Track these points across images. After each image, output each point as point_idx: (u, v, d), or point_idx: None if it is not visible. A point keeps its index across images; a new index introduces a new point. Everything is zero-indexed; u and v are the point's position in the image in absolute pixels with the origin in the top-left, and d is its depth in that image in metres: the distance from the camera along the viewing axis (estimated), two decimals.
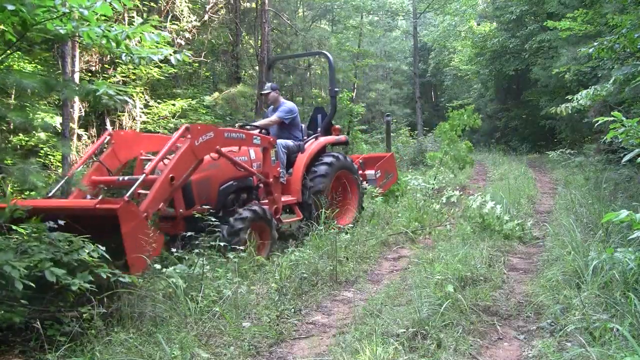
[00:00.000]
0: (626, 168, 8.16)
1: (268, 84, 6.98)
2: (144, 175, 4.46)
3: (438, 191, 9.30)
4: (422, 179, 9.92)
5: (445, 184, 10.61)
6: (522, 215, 7.08)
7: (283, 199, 6.18)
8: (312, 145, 6.80)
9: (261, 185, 5.98)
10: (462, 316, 3.57)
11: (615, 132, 3.74)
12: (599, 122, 3.96)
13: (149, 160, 5.18)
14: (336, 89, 7.36)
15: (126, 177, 5.00)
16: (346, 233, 5.75)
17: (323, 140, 7.00)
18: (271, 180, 5.94)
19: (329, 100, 7.96)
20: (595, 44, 6.51)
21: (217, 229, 4.59)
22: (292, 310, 3.99)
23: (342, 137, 7.54)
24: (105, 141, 5.29)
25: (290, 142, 6.62)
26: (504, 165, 14.54)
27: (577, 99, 7.89)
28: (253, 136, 5.74)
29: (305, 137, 6.96)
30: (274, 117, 6.64)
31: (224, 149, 5.26)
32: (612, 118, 3.66)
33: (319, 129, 7.22)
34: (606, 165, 10.11)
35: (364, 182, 7.53)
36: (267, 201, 5.96)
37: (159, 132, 8.41)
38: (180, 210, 5.09)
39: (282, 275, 4.50)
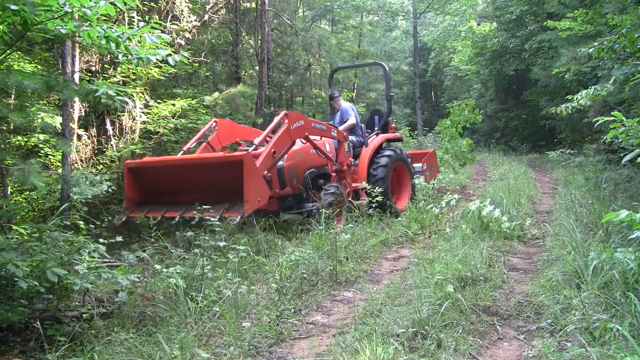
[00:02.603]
0: (626, 168, 8.15)
1: (336, 92, 8.60)
2: (254, 146, 5.68)
3: (438, 191, 9.31)
4: (422, 179, 9.91)
5: (446, 184, 10.61)
6: (522, 216, 7.07)
7: (353, 184, 7.30)
8: (375, 140, 8.00)
9: (333, 173, 7.08)
10: (462, 316, 3.56)
11: (615, 132, 3.73)
12: (599, 122, 3.95)
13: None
14: (391, 94, 8.69)
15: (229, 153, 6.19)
16: (346, 233, 5.76)
17: (383, 136, 8.22)
18: (345, 168, 7.13)
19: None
20: (595, 44, 6.50)
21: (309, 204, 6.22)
22: (292, 310, 3.99)
23: (398, 134, 8.81)
24: (212, 126, 6.52)
25: (353, 138, 7.74)
26: (504, 165, 14.52)
27: (577, 99, 7.89)
28: (331, 129, 6.87)
29: (366, 134, 8.13)
30: (352, 120, 7.78)
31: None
32: (612, 118, 3.65)
33: (376, 127, 8.49)
34: (606, 165, 10.11)
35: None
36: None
37: (159, 132, 8.42)
38: (276, 190, 6.13)
39: (282, 275, 4.49)
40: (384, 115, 8.74)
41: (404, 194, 8.24)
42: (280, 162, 6.14)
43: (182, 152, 6.17)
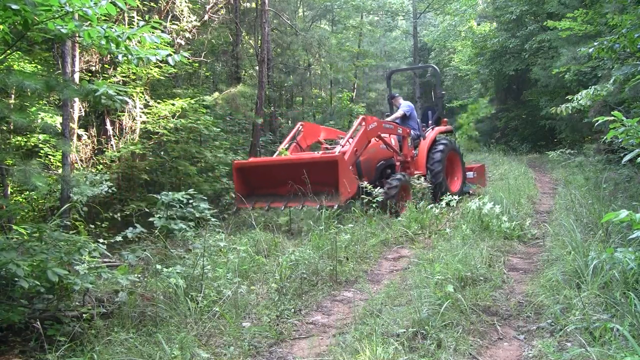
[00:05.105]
0: (626, 168, 8.15)
1: (395, 92, 10.41)
2: (341, 146, 7.01)
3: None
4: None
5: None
6: (522, 216, 7.07)
7: (415, 173, 8.37)
8: (431, 133, 9.20)
9: (398, 164, 8.30)
10: (462, 316, 3.57)
11: (615, 132, 3.73)
12: (599, 122, 3.95)
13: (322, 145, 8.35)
14: (443, 92, 10.35)
15: (319, 152, 7.52)
16: (346, 233, 5.76)
17: (437, 129, 9.42)
18: (409, 159, 8.40)
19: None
20: (595, 44, 6.49)
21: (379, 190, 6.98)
22: (292, 310, 3.99)
23: (449, 127, 10.03)
24: (299, 129, 7.88)
25: (412, 132, 8.83)
26: (504, 165, 14.53)
27: (577, 99, 7.88)
28: (398, 127, 8.24)
29: (422, 128, 9.27)
30: (399, 112, 9.05)
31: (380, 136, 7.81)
32: (612, 118, 3.65)
33: (429, 122, 9.78)
34: (606, 165, 10.11)
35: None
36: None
37: (158, 132, 8.42)
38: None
39: (282, 275, 4.50)
40: (436, 111, 10.02)
41: (457, 179, 9.43)
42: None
43: (277, 152, 7.43)
